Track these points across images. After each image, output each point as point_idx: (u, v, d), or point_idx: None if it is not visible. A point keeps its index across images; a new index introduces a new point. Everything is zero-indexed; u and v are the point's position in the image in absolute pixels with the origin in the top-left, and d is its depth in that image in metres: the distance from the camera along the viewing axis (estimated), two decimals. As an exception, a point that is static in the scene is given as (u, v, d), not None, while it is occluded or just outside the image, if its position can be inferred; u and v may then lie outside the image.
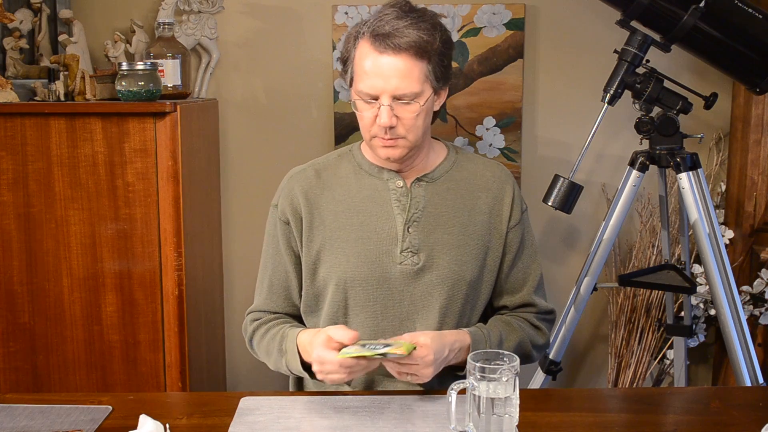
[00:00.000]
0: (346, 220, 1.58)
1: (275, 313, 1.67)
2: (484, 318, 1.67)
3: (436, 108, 1.58)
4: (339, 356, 1.36)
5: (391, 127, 1.49)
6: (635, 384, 2.75)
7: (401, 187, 1.58)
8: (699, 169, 2.17)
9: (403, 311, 1.56)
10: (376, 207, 1.58)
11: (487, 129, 2.76)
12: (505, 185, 1.64)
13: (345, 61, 1.55)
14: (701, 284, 2.57)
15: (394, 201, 1.58)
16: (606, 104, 2.10)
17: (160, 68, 2.33)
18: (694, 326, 2.52)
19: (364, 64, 1.49)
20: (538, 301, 1.66)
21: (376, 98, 1.49)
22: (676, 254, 2.66)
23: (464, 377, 1.47)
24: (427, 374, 1.42)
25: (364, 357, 1.36)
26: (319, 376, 1.43)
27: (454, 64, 2.71)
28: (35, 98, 2.37)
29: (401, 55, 1.45)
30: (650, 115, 2.16)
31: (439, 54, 1.49)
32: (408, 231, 1.56)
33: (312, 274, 1.60)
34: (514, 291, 1.65)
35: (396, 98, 1.47)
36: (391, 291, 1.56)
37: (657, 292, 2.70)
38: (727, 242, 2.69)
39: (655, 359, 2.78)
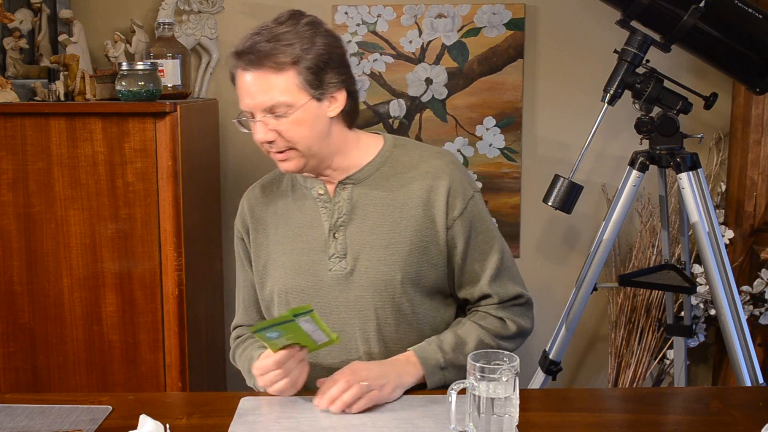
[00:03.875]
0: (284, 232, 1.61)
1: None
2: (461, 312, 1.66)
3: (334, 113, 1.52)
4: (252, 332, 1.38)
5: (271, 141, 1.50)
6: (635, 384, 2.75)
7: (323, 194, 1.59)
8: (699, 169, 2.16)
9: (341, 317, 1.56)
10: (306, 216, 1.60)
11: (487, 129, 2.76)
12: (441, 174, 1.56)
13: (233, 80, 1.55)
14: (701, 284, 2.57)
15: (320, 208, 1.58)
16: (606, 104, 2.10)
17: (160, 68, 2.33)
18: (694, 326, 2.52)
19: (237, 83, 1.51)
20: (495, 291, 1.59)
21: (253, 115, 1.51)
22: (676, 254, 2.66)
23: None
24: (361, 375, 1.42)
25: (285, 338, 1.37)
26: (269, 389, 1.46)
27: (454, 65, 2.72)
28: (35, 98, 2.37)
29: (261, 69, 1.45)
30: (650, 115, 2.16)
31: (306, 62, 1.45)
32: (334, 237, 1.56)
33: (261, 287, 1.65)
34: (471, 283, 1.60)
35: (269, 112, 1.48)
36: (327, 298, 1.57)
37: (657, 292, 2.70)
38: (727, 242, 2.69)
39: (655, 359, 2.78)
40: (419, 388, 1.57)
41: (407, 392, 1.50)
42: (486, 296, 1.60)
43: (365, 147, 1.61)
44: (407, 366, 1.50)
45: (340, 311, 1.56)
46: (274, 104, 1.46)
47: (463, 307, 1.67)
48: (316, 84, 1.47)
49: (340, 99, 1.52)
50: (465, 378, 1.27)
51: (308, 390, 1.55)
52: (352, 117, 1.58)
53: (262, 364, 1.42)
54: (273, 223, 1.63)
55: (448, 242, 1.57)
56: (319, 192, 1.59)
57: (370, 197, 1.57)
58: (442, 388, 1.46)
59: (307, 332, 1.36)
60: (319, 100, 1.49)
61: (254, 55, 1.44)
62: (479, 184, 1.68)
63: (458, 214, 1.56)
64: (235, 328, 1.74)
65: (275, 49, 1.44)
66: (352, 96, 1.55)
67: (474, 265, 1.59)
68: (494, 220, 1.70)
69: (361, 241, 1.55)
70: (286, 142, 1.50)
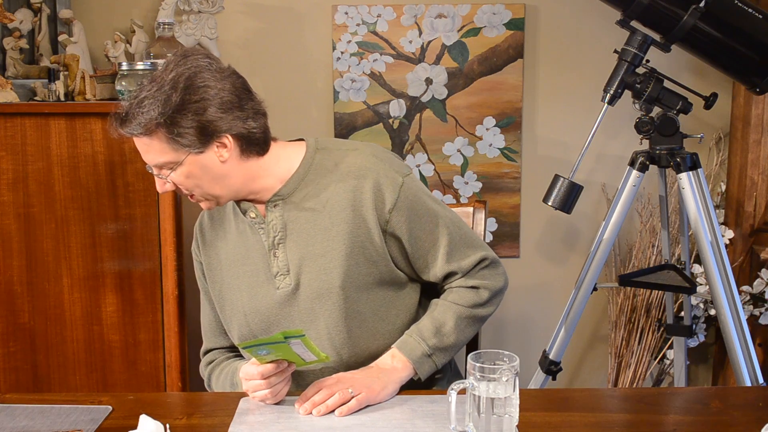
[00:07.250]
0: (233, 255, 1.62)
1: (224, 348, 1.72)
2: (433, 293, 1.66)
3: (226, 157, 1.49)
4: (241, 347, 1.36)
5: (174, 191, 1.54)
6: (635, 384, 2.75)
7: (255, 216, 1.58)
8: (699, 169, 2.17)
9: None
10: (249, 239, 1.60)
11: (487, 129, 2.76)
12: (363, 171, 1.54)
13: None
14: (701, 284, 2.57)
15: (258, 230, 1.58)
16: (606, 104, 2.10)
17: (160, 68, 2.33)
18: (694, 326, 2.52)
19: None
20: (457, 265, 1.58)
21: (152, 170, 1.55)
22: (676, 254, 2.67)
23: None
24: (348, 382, 1.43)
25: (274, 351, 1.37)
26: (251, 396, 1.45)
27: (454, 65, 2.72)
28: (35, 98, 2.37)
29: (136, 135, 1.47)
30: (650, 115, 2.17)
31: (166, 124, 1.43)
32: (275, 255, 1.56)
33: (221, 310, 1.66)
34: (430, 264, 1.59)
35: (159, 168, 1.51)
36: (280, 315, 1.57)
37: (657, 292, 2.70)
38: (727, 242, 2.69)
39: (655, 359, 2.78)
40: (416, 386, 1.57)
41: (407, 392, 1.50)
42: (450, 273, 1.59)
43: (287, 160, 1.58)
44: (394, 362, 1.51)
45: (295, 327, 1.56)
46: (157, 164, 1.49)
47: (435, 288, 1.66)
48: (188, 142, 1.45)
49: (229, 143, 1.49)
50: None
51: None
52: (259, 146, 1.54)
53: (249, 369, 1.43)
54: (222, 246, 1.64)
55: (391, 235, 1.55)
56: (252, 215, 1.58)
57: (300, 209, 1.56)
58: (440, 384, 1.45)
59: (297, 353, 1.36)
60: (200, 152, 1.47)
61: (128, 124, 1.45)
62: (407, 167, 1.64)
63: (392, 206, 1.54)
64: (205, 354, 1.73)
65: (138, 116, 1.43)
66: (244, 135, 1.50)
67: (426, 247, 1.58)
68: (429, 190, 1.69)
69: (300, 255, 1.55)
70: (189, 191, 1.53)
